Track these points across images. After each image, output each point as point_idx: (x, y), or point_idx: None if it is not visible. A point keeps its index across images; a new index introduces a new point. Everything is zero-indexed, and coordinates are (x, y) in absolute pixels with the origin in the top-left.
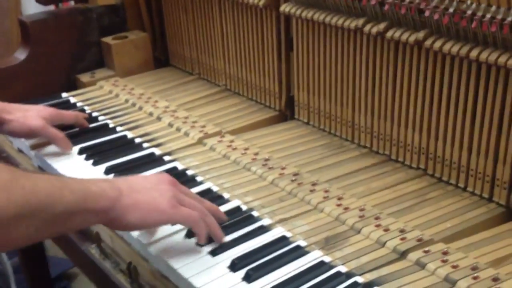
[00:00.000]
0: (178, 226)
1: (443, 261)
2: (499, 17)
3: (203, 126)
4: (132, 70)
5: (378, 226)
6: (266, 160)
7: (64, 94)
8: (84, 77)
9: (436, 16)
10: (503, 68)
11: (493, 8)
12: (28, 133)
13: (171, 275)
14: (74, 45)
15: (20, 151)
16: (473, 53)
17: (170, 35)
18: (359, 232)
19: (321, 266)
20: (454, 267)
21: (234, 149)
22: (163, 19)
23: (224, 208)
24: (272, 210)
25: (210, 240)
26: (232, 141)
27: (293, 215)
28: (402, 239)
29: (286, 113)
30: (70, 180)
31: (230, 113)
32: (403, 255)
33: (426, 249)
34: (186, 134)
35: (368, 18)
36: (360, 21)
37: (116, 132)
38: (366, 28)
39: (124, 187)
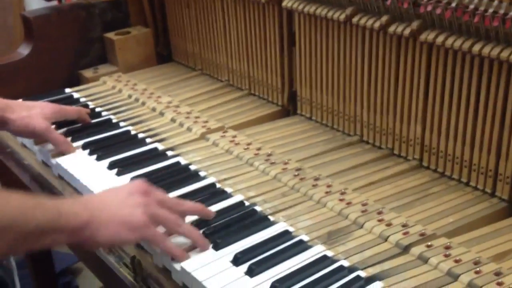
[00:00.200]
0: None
1: (446, 256)
2: (502, 11)
3: (206, 121)
4: (135, 65)
5: (380, 220)
6: (269, 155)
7: (67, 90)
8: (87, 73)
9: (438, 11)
10: (505, 63)
11: (496, 2)
12: (31, 135)
13: (174, 270)
14: (77, 41)
15: (24, 146)
16: (476, 48)
17: (172, 31)
18: (361, 226)
19: (323, 260)
20: (456, 261)
21: (237, 144)
22: (166, 15)
23: (226, 203)
24: (274, 205)
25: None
26: (234, 136)
27: (295, 210)
28: (404, 233)
29: (289, 108)
30: (44, 200)
31: (232, 108)
32: (405, 249)
33: (429, 243)
34: (189, 129)
35: (371, 13)
36: (363, 16)
37: (119, 127)
38: (369, 23)
39: (95, 205)
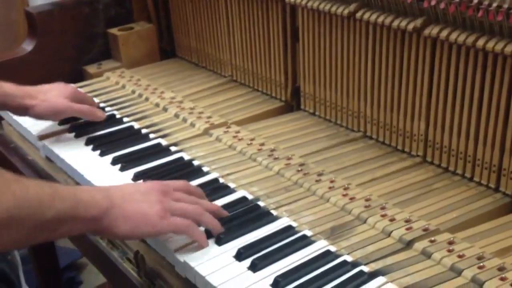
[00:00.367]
0: None
1: (449, 251)
2: (506, 6)
3: (209, 117)
4: (138, 61)
5: (384, 216)
6: (272, 150)
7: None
8: (91, 68)
9: (442, 5)
10: (509, 57)
11: None
12: (54, 114)
13: (178, 264)
14: (81, 36)
15: (27, 141)
16: (480, 42)
17: (176, 27)
18: (365, 222)
19: (327, 256)
20: (460, 256)
21: (240, 139)
22: (169, 10)
23: (230, 198)
24: (278, 200)
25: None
26: (238, 132)
27: (299, 205)
28: (408, 229)
29: (292, 103)
30: (61, 188)
31: (236, 104)
32: (408, 244)
33: (432, 238)
34: (192, 124)
35: (374, 8)
36: (366, 11)
37: (122, 122)
38: (372, 18)
39: (116, 196)
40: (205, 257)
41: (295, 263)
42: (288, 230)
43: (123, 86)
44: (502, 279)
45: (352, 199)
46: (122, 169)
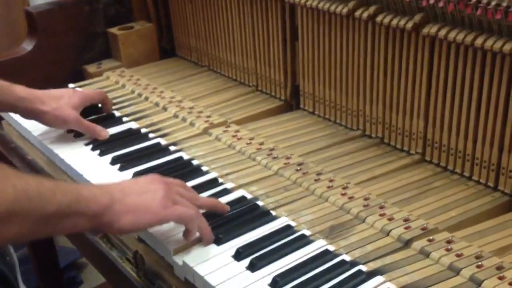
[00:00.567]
0: None
1: (447, 250)
2: (504, 4)
3: (209, 116)
4: (138, 60)
5: (382, 215)
6: (271, 150)
7: (70, 85)
8: (91, 68)
9: (441, 4)
10: (508, 56)
11: None
12: (60, 125)
13: (176, 264)
14: (81, 36)
15: (27, 141)
16: (478, 41)
17: (176, 26)
18: (363, 221)
19: (325, 255)
20: (458, 255)
21: (239, 139)
22: (169, 10)
23: (229, 197)
24: (276, 199)
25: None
26: (237, 131)
27: (297, 205)
28: (406, 228)
29: (292, 103)
30: (62, 183)
31: (235, 103)
32: (407, 244)
33: (431, 238)
34: (192, 124)
35: (375, 7)
36: (365, 10)
37: (122, 122)
38: (365, 15)
39: (116, 192)
40: (203, 257)
41: (294, 262)
42: (286, 230)
43: (123, 86)
44: (501, 278)
45: (351, 198)
46: (121, 169)
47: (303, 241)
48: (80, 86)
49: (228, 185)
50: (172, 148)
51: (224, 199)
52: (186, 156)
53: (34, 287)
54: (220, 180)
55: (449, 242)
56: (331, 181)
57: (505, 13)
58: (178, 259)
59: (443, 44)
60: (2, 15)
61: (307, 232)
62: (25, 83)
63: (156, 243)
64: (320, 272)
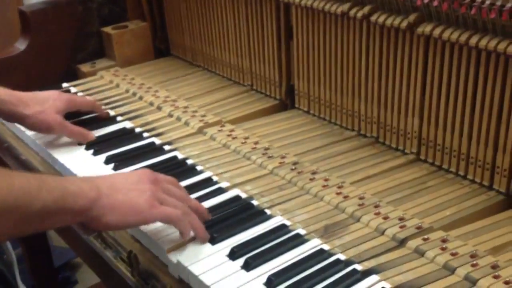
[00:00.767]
0: None
1: (442, 249)
2: (498, 3)
3: (203, 116)
4: (132, 60)
5: (377, 214)
6: (266, 149)
7: (64, 84)
8: (85, 67)
9: (435, 3)
10: (502, 55)
11: None
12: (44, 130)
13: (171, 264)
14: (74, 35)
15: (21, 141)
16: (473, 40)
17: (170, 25)
18: (358, 220)
19: (320, 254)
20: (453, 254)
21: (234, 138)
22: (163, 9)
23: (223, 197)
24: (271, 198)
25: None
26: (232, 131)
27: (292, 204)
28: (401, 227)
29: (286, 102)
30: (48, 179)
31: (230, 102)
32: (402, 243)
33: (425, 236)
34: (186, 123)
35: (368, 6)
36: (360, 9)
37: (116, 121)
38: (359, 14)
39: (103, 186)
40: (198, 256)
41: (289, 262)
42: (281, 229)
43: (117, 85)
44: (496, 277)
45: (345, 197)
46: (115, 168)
47: (298, 240)
48: (74, 86)
49: (223, 184)
50: (166, 147)
51: (218, 198)
52: (180, 156)
53: (31, 285)
54: (215, 179)
55: (444, 241)
56: (326, 180)
57: (499, 12)
58: (173, 258)
59: (438, 43)
60: None
61: (302, 231)
62: (18, 83)
63: (150, 242)
64: (315, 271)
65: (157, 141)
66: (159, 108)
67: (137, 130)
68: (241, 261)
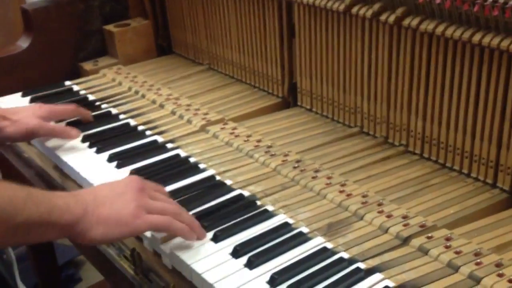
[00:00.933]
0: None
1: (446, 247)
2: (501, 0)
3: (206, 114)
4: (134, 57)
5: (381, 212)
6: (269, 147)
7: (67, 82)
8: (87, 65)
9: (438, 0)
10: (505, 52)
11: None
12: (25, 135)
13: (174, 262)
14: (77, 33)
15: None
16: (476, 38)
17: (172, 23)
18: (361, 218)
19: (323, 252)
20: (457, 253)
21: (237, 136)
22: (165, 6)
23: (226, 195)
24: (274, 197)
25: (210, 228)
26: (234, 128)
27: (295, 202)
28: (405, 225)
29: (289, 100)
30: (36, 192)
31: (232, 100)
32: (406, 241)
33: (429, 235)
34: (189, 121)
35: (370, 3)
36: (362, 6)
37: (119, 119)
38: (368, 13)
39: (88, 202)
40: (201, 254)
41: (292, 260)
42: (284, 227)
43: (120, 83)
44: (500, 275)
45: (349, 195)
46: (118, 166)
47: (301, 238)
48: (76, 84)
49: (226, 183)
50: (169, 145)
51: (221, 197)
52: (183, 154)
53: (33, 284)
54: (218, 177)
55: (448, 239)
56: (329, 178)
57: (502, 9)
58: (175, 257)
59: (441, 40)
60: None
61: (305, 230)
62: (21, 81)
63: (152, 240)
64: (318, 269)
65: (159, 139)
66: (161, 106)
67: (140, 128)
68: (244, 259)
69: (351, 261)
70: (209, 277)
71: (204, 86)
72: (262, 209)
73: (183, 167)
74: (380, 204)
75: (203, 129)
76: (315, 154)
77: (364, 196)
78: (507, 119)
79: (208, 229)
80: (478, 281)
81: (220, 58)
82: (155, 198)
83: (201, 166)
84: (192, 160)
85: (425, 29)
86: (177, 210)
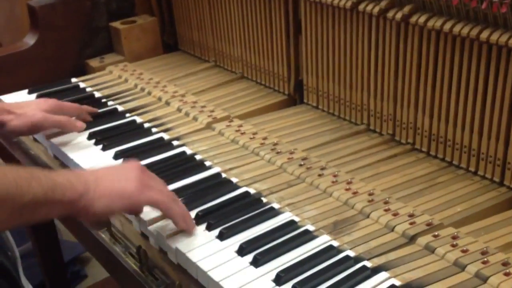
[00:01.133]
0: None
1: (453, 246)
2: None
3: (212, 111)
4: (141, 54)
5: (387, 210)
6: (275, 144)
7: (73, 79)
8: (94, 62)
9: None
10: None
11: None
12: (31, 128)
13: (180, 260)
14: (83, 30)
15: (31, 136)
16: (484, 35)
17: (178, 20)
18: (368, 216)
19: (329, 251)
20: (463, 251)
21: (243, 133)
22: (172, 3)
23: (232, 193)
24: (280, 194)
25: (215, 225)
26: (240, 126)
27: (301, 200)
28: (411, 223)
29: (295, 97)
30: (37, 172)
31: (238, 97)
32: (412, 239)
33: (436, 233)
34: (195, 118)
35: (377, 1)
36: (369, 3)
37: (125, 117)
38: (375, 10)
39: (91, 179)
40: (207, 252)
41: (298, 258)
42: (290, 225)
43: (126, 80)
44: (507, 274)
45: (355, 193)
46: None
47: (307, 236)
48: (82, 81)
49: (232, 180)
50: (175, 142)
51: (227, 194)
52: (189, 151)
53: (38, 281)
54: (223, 175)
55: (454, 238)
56: (335, 176)
57: (510, 6)
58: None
59: (448, 37)
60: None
61: (311, 228)
62: (27, 78)
63: (158, 238)
64: (324, 268)
65: (165, 136)
66: (167, 103)
67: (146, 125)
68: (250, 257)
69: (357, 259)
70: (214, 275)
71: (210, 83)
72: (268, 206)
73: (189, 164)
74: (386, 202)
75: (209, 126)
76: (321, 152)
77: (370, 194)
78: None
79: (213, 227)
80: (485, 280)
81: (226, 55)
82: (154, 182)
83: (207, 163)
84: (198, 157)
85: (432, 26)
86: (173, 197)
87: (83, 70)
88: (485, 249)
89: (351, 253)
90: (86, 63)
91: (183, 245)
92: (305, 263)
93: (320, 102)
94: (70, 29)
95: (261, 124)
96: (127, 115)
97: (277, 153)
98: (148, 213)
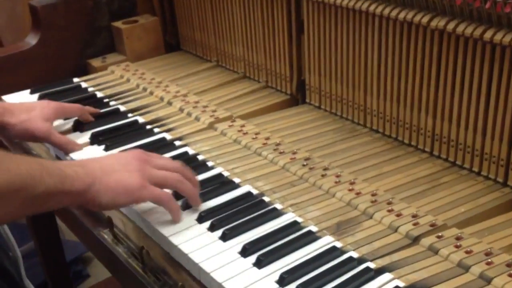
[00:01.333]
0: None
1: (457, 247)
2: None
3: (214, 111)
4: (143, 54)
5: (390, 211)
6: (277, 144)
7: (75, 79)
8: (95, 62)
9: None
10: None
11: None
12: (32, 139)
13: (183, 260)
14: (85, 30)
15: None
16: (487, 35)
17: (180, 19)
18: (371, 217)
19: (332, 252)
20: (467, 252)
21: (245, 133)
22: (173, 3)
23: (235, 193)
24: (283, 195)
25: (218, 226)
26: (243, 126)
27: (304, 200)
28: (414, 224)
29: (298, 97)
30: (46, 163)
31: (241, 97)
32: (415, 240)
33: (439, 234)
34: (197, 118)
35: (380, 0)
36: (372, 3)
37: (127, 117)
38: (378, 10)
39: (97, 169)
40: (210, 252)
41: (301, 259)
42: (293, 226)
43: (128, 80)
44: (511, 275)
45: (358, 194)
46: None
47: (310, 237)
48: (84, 81)
49: (234, 180)
50: (177, 143)
51: (230, 195)
52: (191, 151)
53: (40, 281)
54: (226, 175)
55: (458, 238)
56: (338, 176)
57: None
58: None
59: (452, 37)
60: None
61: (314, 228)
62: (29, 78)
63: (161, 238)
64: (328, 269)
65: (168, 136)
66: (169, 103)
67: (148, 125)
68: (253, 258)
69: (360, 260)
70: (217, 276)
71: (212, 83)
72: (270, 207)
73: (191, 164)
74: (389, 203)
75: (211, 126)
76: (324, 152)
77: (373, 195)
78: None
79: (216, 228)
80: (489, 281)
81: (228, 55)
82: (160, 166)
83: (209, 163)
84: (200, 157)
85: (436, 26)
86: (180, 178)
87: (85, 70)
88: (489, 250)
89: (355, 254)
90: (88, 63)
91: (186, 246)
92: (308, 264)
93: (323, 102)
94: (72, 28)
95: (264, 124)
96: (129, 115)
97: (280, 153)
98: (150, 212)
